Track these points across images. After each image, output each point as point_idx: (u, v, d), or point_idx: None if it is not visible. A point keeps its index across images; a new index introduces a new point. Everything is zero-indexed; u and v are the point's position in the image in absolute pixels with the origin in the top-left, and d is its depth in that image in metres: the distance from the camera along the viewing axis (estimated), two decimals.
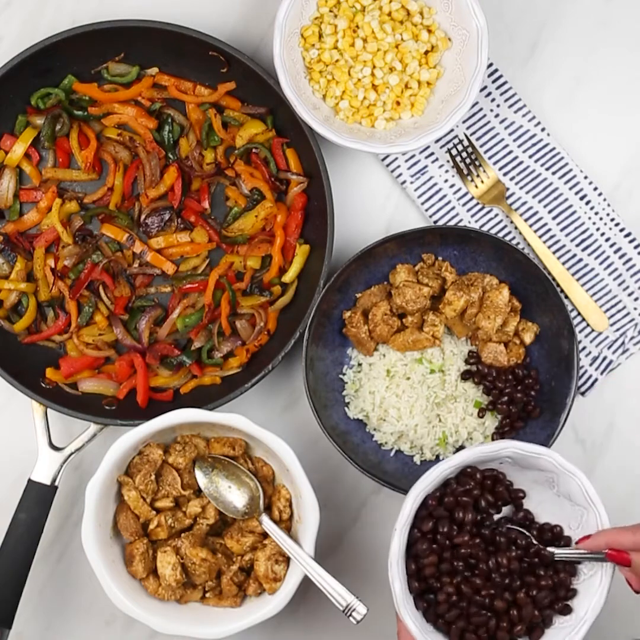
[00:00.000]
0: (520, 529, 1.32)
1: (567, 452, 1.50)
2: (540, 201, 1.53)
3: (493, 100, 1.53)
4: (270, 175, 1.49)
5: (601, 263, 1.52)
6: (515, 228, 1.52)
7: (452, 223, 1.52)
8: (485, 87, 1.52)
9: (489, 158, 1.53)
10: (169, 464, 1.42)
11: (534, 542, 1.31)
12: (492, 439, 1.47)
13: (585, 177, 1.52)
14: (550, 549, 1.31)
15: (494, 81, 1.52)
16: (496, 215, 1.53)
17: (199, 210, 1.50)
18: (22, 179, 1.51)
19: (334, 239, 1.44)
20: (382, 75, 1.45)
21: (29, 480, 1.43)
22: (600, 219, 1.52)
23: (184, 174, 1.50)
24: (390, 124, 1.47)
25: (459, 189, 1.53)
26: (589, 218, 1.52)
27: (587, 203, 1.52)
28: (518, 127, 1.53)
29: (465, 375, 1.46)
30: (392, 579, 1.26)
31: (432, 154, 1.53)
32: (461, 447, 1.47)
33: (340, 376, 1.49)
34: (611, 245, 1.52)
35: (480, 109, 1.53)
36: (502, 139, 1.53)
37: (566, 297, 1.51)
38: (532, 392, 1.45)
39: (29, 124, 1.49)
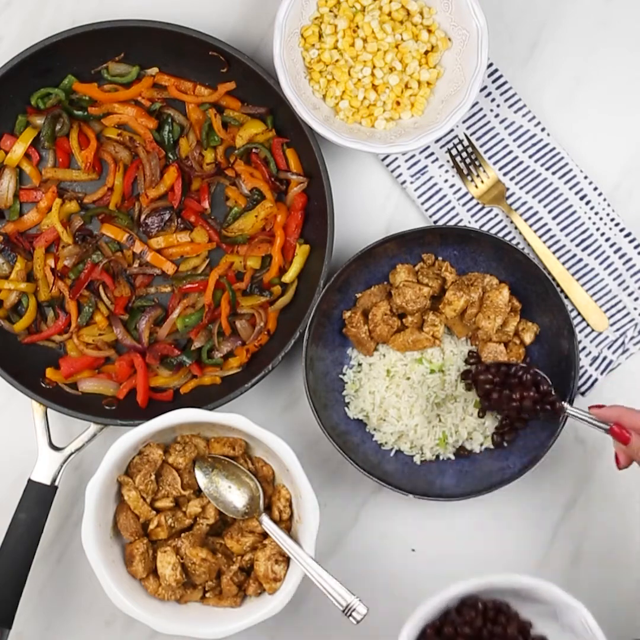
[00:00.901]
0: None
1: (567, 452, 1.51)
2: (540, 201, 1.53)
3: (493, 100, 1.53)
4: (270, 175, 1.49)
5: (601, 263, 1.52)
6: (515, 228, 1.52)
7: (452, 223, 1.52)
8: (485, 87, 1.52)
9: (489, 158, 1.53)
10: (169, 464, 1.42)
11: None
12: (493, 440, 1.47)
13: (585, 177, 1.52)
14: (563, 403, 1.35)
15: (494, 81, 1.52)
16: (496, 215, 1.53)
17: (199, 210, 1.50)
18: (22, 179, 1.51)
19: (334, 239, 1.44)
20: (382, 75, 1.45)
21: (29, 480, 1.43)
22: (600, 219, 1.52)
23: (184, 174, 1.50)
24: (390, 124, 1.47)
25: (459, 189, 1.53)
26: (589, 218, 1.52)
27: (587, 203, 1.52)
28: (518, 127, 1.53)
29: (465, 375, 1.46)
30: None
31: (432, 154, 1.53)
32: (461, 448, 1.47)
33: (340, 376, 1.49)
34: (611, 245, 1.52)
35: (480, 109, 1.53)
36: (502, 139, 1.53)
37: (566, 297, 1.51)
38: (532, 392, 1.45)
39: (29, 124, 1.49)
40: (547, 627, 1.33)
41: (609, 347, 1.51)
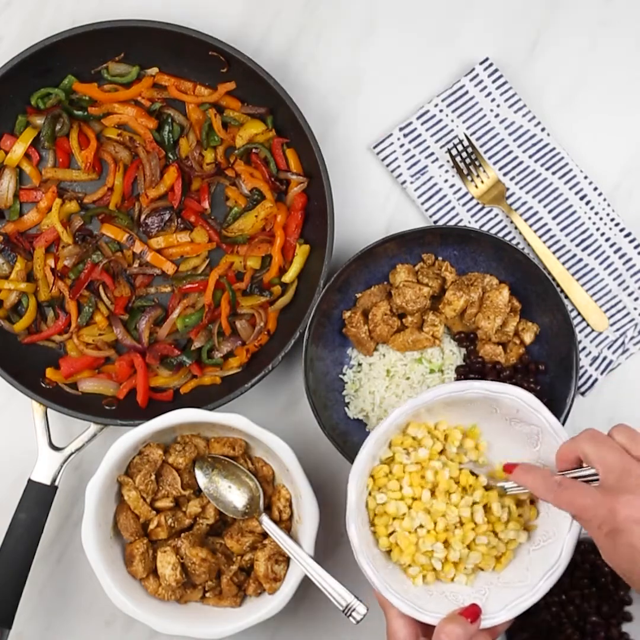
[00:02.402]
0: None
1: None
2: (540, 201, 1.53)
3: (493, 100, 1.53)
4: (270, 175, 1.49)
5: (601, 263, 1.52)
6: (515, 228, 1.53)
7: (452, 223, 1.52)
8: (485, 87, 1.53)
9: (489, 158, 1.53)
10: (169, 464, 1.42)
11: None
12: None
13: (585, 177, 1.52)
14: (500, 484, 1.32)
15: (494, 81, 1.52)
16: (496, 215, 1.53)
17: (199, 210, 1.50)
18: (22, 179, 1.51)
19: (334, 239, 1.44)
20: (459, 548, 1.32)
21: (29, 480, 1.43)
22: (600, 219, 1.52)
23: (184, 174, 1.50)
24: (472, 577, 1.34)
25: (459, 189, 1.53)
26: (589, 218, 1.52)
27: (587, 203, 1.52)
28: (518, 127, 1.53)
29: (460, 370, 1.46)
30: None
31: (432, 154, 1.53)
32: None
33: (340, 376, 1.49)
34: (611, 245, 1.52)
35: (481, 109, 1.53)
36: (502, 139, 1.53)
37: (566, 297, 1.51)
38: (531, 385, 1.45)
39: (29, 124, 1.49)
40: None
41: (609, 347, 1.51)
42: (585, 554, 1.43)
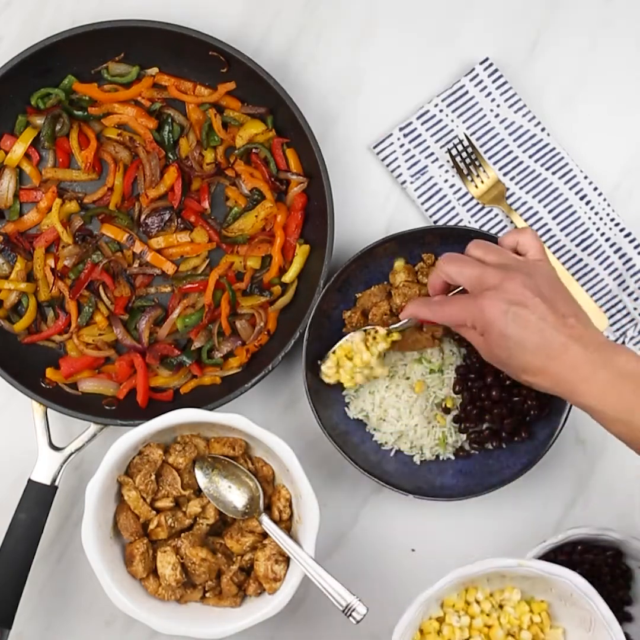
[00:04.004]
0: None
1: (567, 452, 1.51)
2: (540, 201, 1.53)
3: (493, 100, 1.53)
4: (270, 175, 1.49)
5: (601, 263, 1.52)
6: (515, 228, 1.52)
7: (452, 223, 1.52)
8: (485, 87, 1.53)
9: (489, 158, 1.53)
10: (169, 464, 1.42)
11: None
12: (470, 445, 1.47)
13: (585, 177, 1.52)
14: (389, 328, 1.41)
15: (494, 81, 1.52)
16: (496, 215, 1.53)
17: (199, 210, 1.50)
18: (22, 179, 1.51)
19: (334, 239, 1.44)
20: None
21: (29, 480, 1.43)
22: (600, 219, 1.52)
23: (184, 174, 1.50)
24: None
25: (459, 189, 1.53)
26: (589, 218, 1.52)
27: (587, 203, 1.52)
28: (518, 127, 1.53)
29: (460, 371, 1.46)
30: None
31: (432, 154, 1.53)
32: (461, 448, 1.47)
33: None
34: (611, 245, 1.52)
35: (481, 109, 1.53)
36: (502, 139, 1.53)
37: None
38: (533, 393, 1.45)
39: (29, 124, 1.49)
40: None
41: None
42: (584, 553, 1.43)
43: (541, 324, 1.20)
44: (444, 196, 1.53)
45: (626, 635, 1.44)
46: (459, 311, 1.26)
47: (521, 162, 1.53)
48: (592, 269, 1.52)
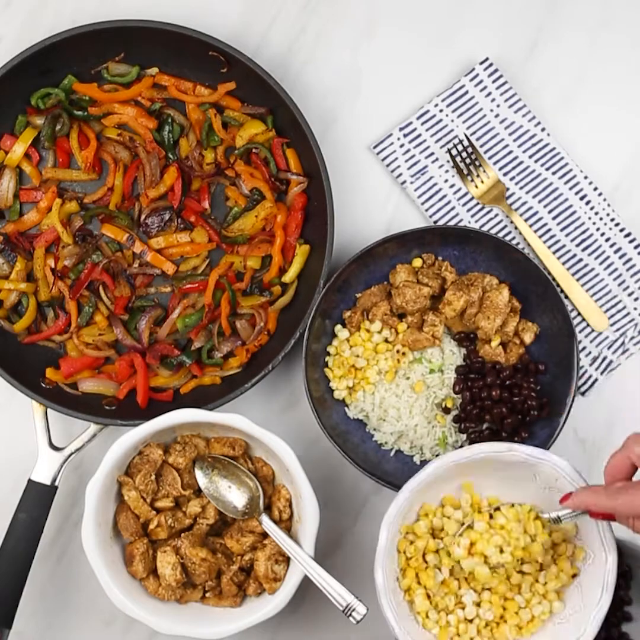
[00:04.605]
0: None
1: (567, 452, 1.50)
2: (540, 201, 1.53)
3: (493, 100, 1.53)
4: (270, 175, 1.49)
5: (601, 263, 1.52)
6: (515, 228, 1.53)
7: (452, 223, 1.52)
8: (485, 87, 1.53)
9: (489, 158, 1.53)
10: (169, 464, 1.42)
11: None
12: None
13: (585, 177, 1.52)
14: (555, 514, 1.30)
15: (494, 81, 1.52)
16: (496, 215, 1.53)
17: (199, 210, 1.50)
18: (22, 179, 1.51)
19: (334, 239, 1.44)
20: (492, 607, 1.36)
21: (29, 480, 1.43)
22: (600, 219, 1.52)
23: (184, 174, 1.50)
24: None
25: (459, 189, 1.53)
26: (589, 218, 1.52)
27: (587, 203, 1.52)
28: (518, 127, 1.53)
29: (460, 371, 1.46)
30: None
31: (432, 154, 1.53)
32: (461, 448, 1.47)
33: None
34: (611, 245, 1.52)
35: (480, 109, 1.53)
36: (502, 139, 1.53)
37: (566, 297, 1.51)
38: (532, 393, 1.45)
39: (29, 124, 1.49)
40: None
41: (609, 347, 1.51)
42: None
43: None
44: (444, 196, 1.53)
45: (626, 635, 1.44)
46: None
47: (521, 162, 1.53)
48: (592, 269, 1.52)
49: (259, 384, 1.46)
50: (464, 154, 1.52)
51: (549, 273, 1.50)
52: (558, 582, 1.36)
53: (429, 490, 1.37)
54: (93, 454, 1.49)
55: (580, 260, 1.52)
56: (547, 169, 1.52)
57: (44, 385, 1.47)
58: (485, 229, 1.53)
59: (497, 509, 1.34)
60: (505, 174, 1.53)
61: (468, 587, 1.37)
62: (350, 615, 1.32)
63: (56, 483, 1.44)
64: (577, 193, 1.52)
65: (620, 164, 1.54)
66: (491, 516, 1.33)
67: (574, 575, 1.36)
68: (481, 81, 1.52)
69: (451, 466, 1.34)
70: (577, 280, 1.52)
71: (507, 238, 1.52)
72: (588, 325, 1.51)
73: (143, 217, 1.50)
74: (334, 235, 1.44)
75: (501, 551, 1.31)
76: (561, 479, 1.33)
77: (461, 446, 1.47)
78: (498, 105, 1.53)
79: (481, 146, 1.53)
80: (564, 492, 1.32)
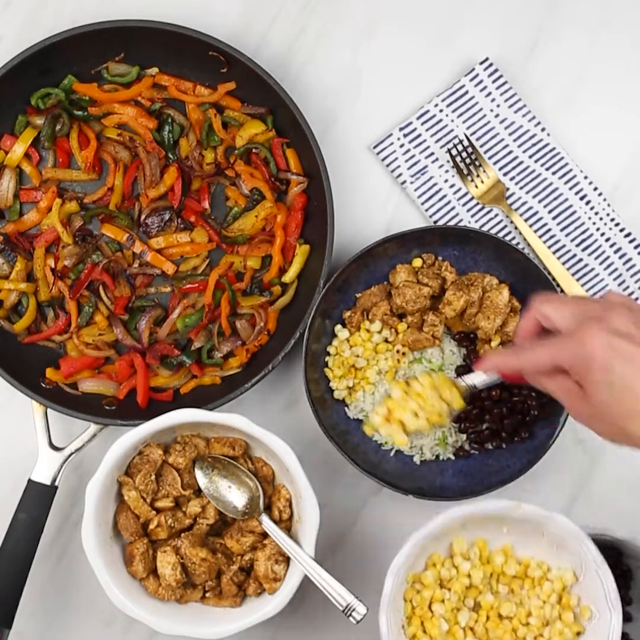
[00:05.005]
0: None
1: (567, 452, 1.51)
2: (540, 201, 1.53)
3: (493, 100, 1.53)
4: (270, 175, 1.49)
5: (601, 263, 1.52)
6: (515, 228, 1.53)
7: (452, 223, 1.52)
8: (485, 87, 1.53)
9: (489, 158, 1.53)
10: (169, 464, 1.42)
11: None
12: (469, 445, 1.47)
13: (585, 177, 1.52)
14: (459, 379, 1.29)
15: (494, 81, 1.52)
16: (496, 215, 1.53)
17: (199, 210, 1.50)
18: (22, 179, 1.51)
19: (334, 239, 1.44)
20: None
21: (29, 480, 1.43)
22: (600, 219, 1.52)
23: (184, 174, 1.50)
24: None
25: (459, 189, 1.53)
26: (589, 218, 1.52)
27: (587, 203, 1.52)
28: (518, 127, 1.53)
29: (460, 371, 1.46)
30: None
31: (432, 154, 1.53)
32: (461, 448, 1.47)
33: None
34: (611, 245, 1.52)
35: (480, 109, 1.53)
36: (502, 139, 1.53)
37: None
38: (533, 393, 1.45)
39: (29, 124, 1.49)
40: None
41: None
42: None
43: None
44: (444, 196, 1.53)
45: (626, 635, 1.44)
46: (554, 351, 1.11)
47: (521, 162, 1.53)
48: (592, 269, 1.52)
49: (259, 384, 1.46)
50: (464, 154, 1.52)
51: (549, 273, 1.50)
52: (562, 639, 1.36)
53: (437, 540, 1.37)
54: (93, 454, 1.49)
55: (580, 260, 1.52)
56: (547, 169, 1.52)
57: (44, 385, 1.47)
58: (485, 229, 1.53)
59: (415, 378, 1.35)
60: (505, 174, 1.53)
61: (473, 637, 1.37)
62: (350, 615, 1.32)
63: (56, 483, 1.44)
64: (577, 193, 1.52)
65: (620, 164, 1.54)
66: (408, 384, 1.32)
67: (579, 633, 1.37)
68: (481, 81, 1.52)
69: (458, 520, 1.34)
70: (577, 280, 1.52)
71: (507, 238, 1.52)
72: None
73: (143, 217, 1.50)
74: (334, 235, 1.44)
75: (416, 416, 1.30)
76: (567, 537, 1.33)
77: (461, 447, 1.47)
78: (498, 105, 1.53)
79: (481, 146, 1.53)
80: (571, 550, 1.34)
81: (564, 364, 1.11)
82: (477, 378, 1.27)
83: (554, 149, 1.52)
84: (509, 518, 1.36)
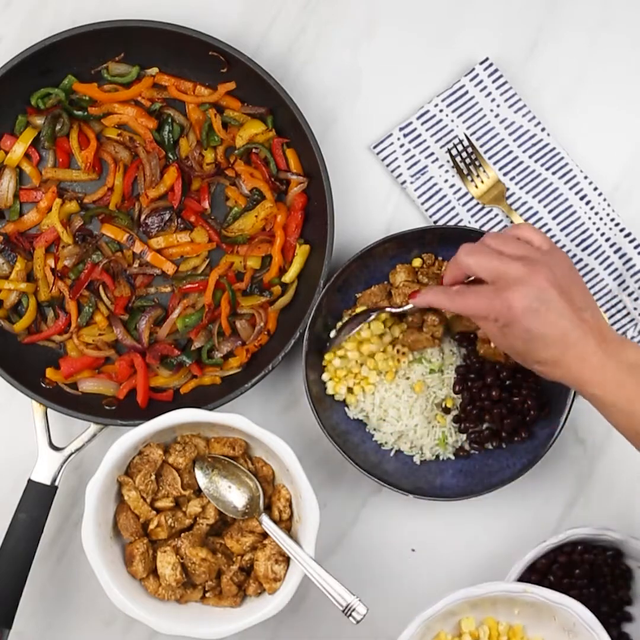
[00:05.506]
0: None
1: (567, 452, 1.51)
2: (540, 201, 1.53)
3: (493, 100, 1.53)
4: (270, 175, 1.49)
5: (601, 263, 1.52)
6: (513, 223, 1.52)
7: (452, 223, 1.52)
8: (485, 87, 1.53)
9: (489, 158, 1.53)
10: (169, 464, 1.42)
11: None
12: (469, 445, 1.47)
13: (585, 177, 1.52)
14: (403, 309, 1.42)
15: (494, 81, 1.52)
16: (496, 215, 1.53)
17: (199, 210, 1.50)
18: (22, 179, 1.51)
19: (334, 239, 1.44)
20: None
21: (29, 480, 1.43)
22: (600, 219, 1.52)
23: (184, 174, 1.50)
24: None
25: (459, 189, 1.53)
26: (589, 218, 1.52)
27: (587, 203, 1.52)
28: (518, 127, 1.53)
29: (460, 371, 1.46)
30: None
31: (432, 154, 1.53)
32: (461, 448, 1.47)
33: None
34: (611, 245, 1.52)
35: (480, 109, 1.53)
36: (502, 139, 1.53)
37: None
38: (533, 393, 1.45)
39: (29, 124, 1.49)
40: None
41: None
42: (584, 553, 1.43)
43: (561, 320, 1.22)
44: (444, 196, 1.53)
45: (626, 635, 1.44)
46: (482, 303, 1.26)
47: (521, 162, 1.53)
48: (592, 269, 1.52)
49: (259, 384, 1.46)
50: (464, 154, 1.52)
51: None
52: None
53: (444, 619, 1.35)
54: (93, 454, 1.49)
55: (580, 260, 1.52)
56: (547, 169, 1.52)
57: (44, 385, 1.47)
58: (485, 229, 1.53)
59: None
60: (505, 174, 1.53)
61: None
62: (350, 615, 1.32)
63: (56, 483, 1.44)
64: (577, 193, 1.52)
65: (620, 164, 1.54)
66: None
67: None
68: (481, 81, 1.52)
69: (464, 601, 1.33)
70: None
71: None
72: None
73: (143, 217, 1.50)
74: (334, 235, 1.44)
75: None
76: (578, 624, 1.31)
77: (461, 447, 1.47)
78: (498, 105, 1.53)
79: (481, 146, 1.53)
80: (581, 636, 1.31)
81: (490, 317, 1.25)
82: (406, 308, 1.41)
83: (554, 149, 1.52)
84: (519, 600, 1.34)
